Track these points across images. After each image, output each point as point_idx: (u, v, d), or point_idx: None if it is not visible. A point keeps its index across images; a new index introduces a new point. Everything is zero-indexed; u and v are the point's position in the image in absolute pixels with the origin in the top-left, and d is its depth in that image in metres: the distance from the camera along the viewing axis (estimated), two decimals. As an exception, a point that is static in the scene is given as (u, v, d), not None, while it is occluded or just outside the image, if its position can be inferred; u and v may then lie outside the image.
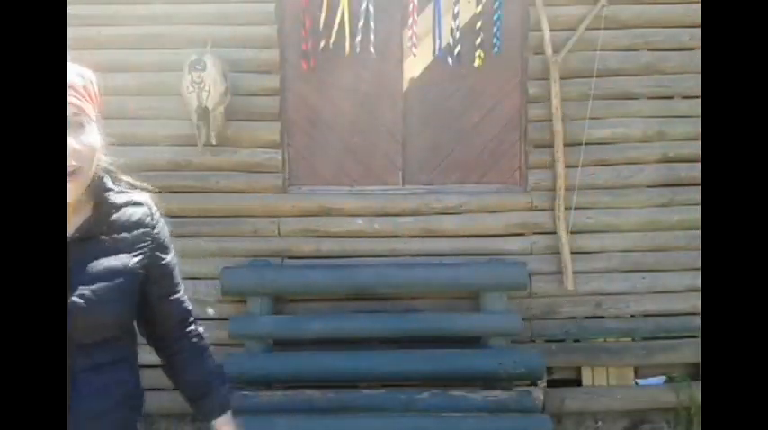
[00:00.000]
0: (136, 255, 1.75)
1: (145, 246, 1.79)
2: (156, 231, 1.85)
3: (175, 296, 1.93)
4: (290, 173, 4.66)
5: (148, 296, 1.82)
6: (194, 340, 2.04)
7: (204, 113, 4.25)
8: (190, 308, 2.00)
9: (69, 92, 1.58)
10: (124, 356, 1.77)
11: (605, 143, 4.58)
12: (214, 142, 4.38)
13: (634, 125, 4.56)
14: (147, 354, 4.96)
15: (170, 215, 5.01)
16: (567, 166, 4.52)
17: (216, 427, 1.95)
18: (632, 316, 4.65)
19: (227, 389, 2.02)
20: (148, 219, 1.84)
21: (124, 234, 1.74)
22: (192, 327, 2.03)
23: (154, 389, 4.85)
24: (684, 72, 4.54)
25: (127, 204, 1.80)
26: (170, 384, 4.87)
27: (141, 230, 1.80)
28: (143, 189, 1.88)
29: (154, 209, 1.88)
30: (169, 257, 1.89)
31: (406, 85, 4.63)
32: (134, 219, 1.80)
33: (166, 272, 1.88)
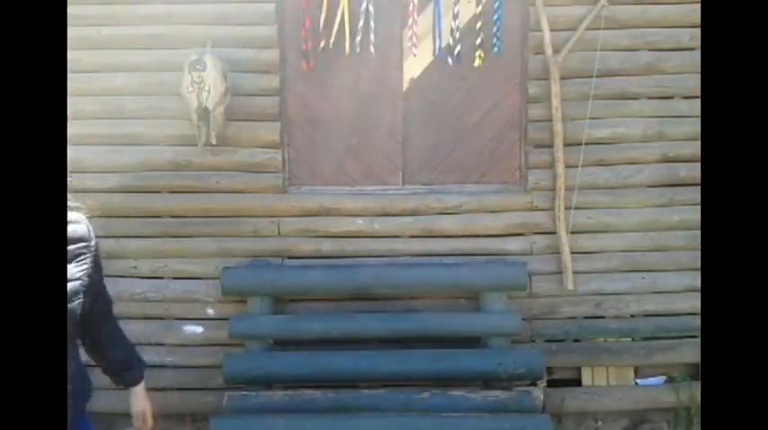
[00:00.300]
0: (79, 265, 2.06)
1: (86, 258, 2.10)
2: (92, 244, 2.16)
3: (105, 294, 2.39)
4: (290, 173, 4.67)
5: (88, 299, 2.13)
6: (116, 323, 2.48)
7: (204, 113, 4.25)
8: (110, 296, 2.44)
9: None
10: (74, 354, 2.11)
11: (605, 143, 4.58)
12: (214, 142, 4.38)
13: (634, 125, 4.56)
14: (145, 354, 4.93)
15: (170, 215, 5.01)
16: (567, 166, 4.52)
17: (135, 392, 2.56)
18: (632, 316, 4.65)
19: (142, 361, 2.57)
20: (87, 235, 2.13)
21: (71, 247, 2.03)
22: (113, 312, 2.47)
23: (154, 390, 4.86)
24: (684, 72, 4.54)
25: (71, 221, 2.07)
26: (170, 384, 4.88)
27: (83, 244, 2.10)
28: (78, 208, 2.14)
29: (90, 225, 2.19)
30: (101, 266, 2.28)
31: (406, 85, 4.63)
32: (78, 234, 2.08)
33: (100, 277, 2.27)
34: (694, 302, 4.59)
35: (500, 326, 4.42)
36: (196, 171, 4.54)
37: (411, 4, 4.47)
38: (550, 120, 4.50)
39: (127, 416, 4.62)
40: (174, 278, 4.59)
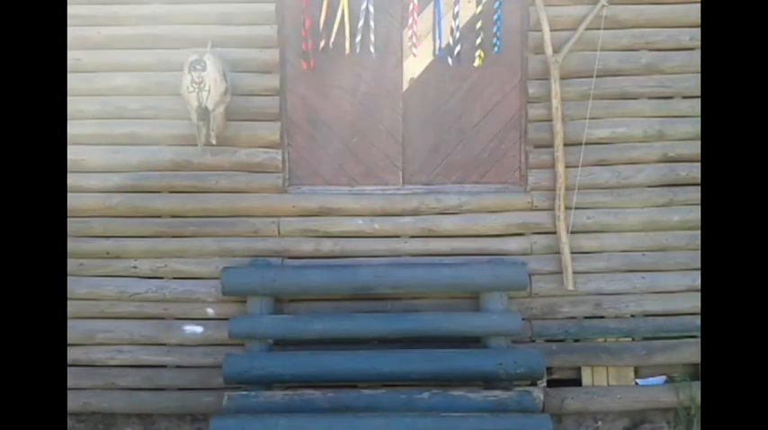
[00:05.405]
0: None
1: None
2: None
3: None
4: (290, 173, 4.66)
5: None
6: None
7: (204, 113, 4.25)
8: None
9: None
10: None
11: (605, 143, 4.58)
12: (214, 142, 4.38)
13: (634, 125, 4.56)
14: (145, 354, 4.93)
15: (170, 215, 5.02)
16: (567, 166, 4.52)
17: None
18: (632, 316, 4.65)
19: None
20: None
21: None
22: None
23: (153, 389, 4.88)
24: (684, 72, 4.54)
25: None
26: (171, 384, 4.89)
27: None
28: None
29: None
30: None
31: (406, 85, 4.63)
32: None
33: None
34: (694, 302, 4.59)
35: (500, 326, 4.42)
36: (196, 171, 4.54)
37: (411, 4, 4.47)
38: (550, 120, 4.50)
39: (127, 416, 4.65)
40: (174, 278, 4.59)
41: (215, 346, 4.58)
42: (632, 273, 4.63)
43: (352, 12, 4.46)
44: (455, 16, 4.49)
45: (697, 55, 4.55)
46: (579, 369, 4.66)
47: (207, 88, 4.16)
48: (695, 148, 4.56)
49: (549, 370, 4.55)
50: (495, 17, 4.51)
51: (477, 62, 4.55)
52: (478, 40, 4.52)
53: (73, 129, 4.41)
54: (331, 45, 4.50)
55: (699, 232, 4.62)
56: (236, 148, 4.54)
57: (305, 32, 4.47)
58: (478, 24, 4.51)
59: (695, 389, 4.53)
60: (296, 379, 4.30)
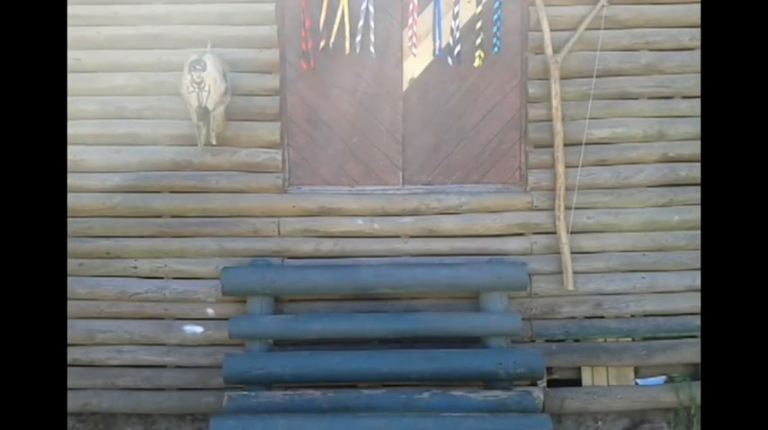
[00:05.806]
0: None
1: None
2: None
3: None
4: (290, 173, 4.67)
5: None
6: None
7: (204, 113, 4.25)
8: None
9: None
10: None
11: (605, 143, 4.58)
12: (214, 142, 4.38)
13: (634, 125, 4.57)
14: (145, 354, 4.93)
15: (170, 215, 5.01)
16: (567, 166, 4.52)
17: None
18: (632, 316, 4.65)
19: None
20: None
21: None
22: None
23: (153, 389, 4.89)
24: (684, 72, 4.54)
25: None
26: (171, 384, 4.89)
27: None
28: None
29: None
30: None
31: (406, 85, 4.63)
32: None
33: None
34: (694, 302, 4.59)
35: (500, 326, 4.42)
36: (196, 171, 4.54)
37: (411, 4, 4.47)
38: (550, 120, 4.50)
39: (127, 416, 4.65)
40: (174, 278, 4.59)
41: (215, 346, 4.58)
42: (632, 273, 4.63)
43: (352, 12, 4.46)
44: (455, 16, 4.49)
45: (697, 55, 4.55)
46: (579, 369, 4.66)
47: (207, 88, 4.16)
48: (695, 148, 4.56)
49: (549, 370, 4.55)
50: (495, 17, 4.51)
51: (477, 62, 4.55)
52: (478, 40, 4.53)
53: (73, 129, 4.41)
54: (331, 45, 4.50)
55: (699, 232, 4.63)
56: (236, 148, 4.54)
57: (305, 32, 4.47)
58: (478, 24, 4.51)
59: (695, 389, 4.53)
60: (296, 379, 4.30)
